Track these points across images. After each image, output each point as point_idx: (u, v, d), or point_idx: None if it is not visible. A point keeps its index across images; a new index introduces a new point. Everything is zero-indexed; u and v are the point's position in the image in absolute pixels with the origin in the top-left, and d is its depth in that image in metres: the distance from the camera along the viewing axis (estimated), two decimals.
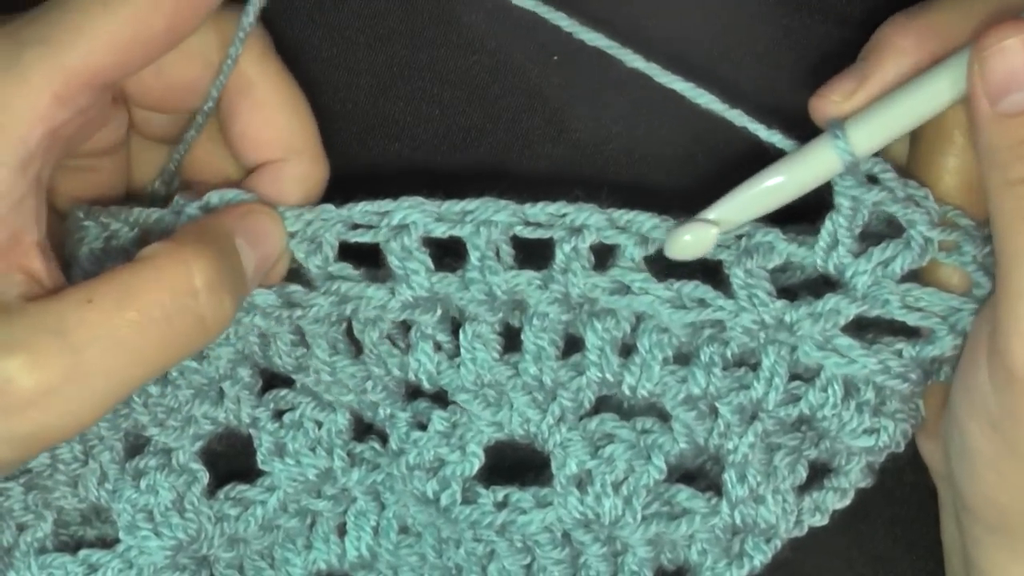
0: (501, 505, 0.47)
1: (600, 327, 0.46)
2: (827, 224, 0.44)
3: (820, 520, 0.47)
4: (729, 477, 0.46)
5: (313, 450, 0.47)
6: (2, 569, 0.46)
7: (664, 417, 0.47)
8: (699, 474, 0.48)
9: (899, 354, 0.45)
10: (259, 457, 0.48)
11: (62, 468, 0.46)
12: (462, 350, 0.46)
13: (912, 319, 0.44)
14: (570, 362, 0.46)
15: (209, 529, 0.47)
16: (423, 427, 0.47)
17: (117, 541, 0.47)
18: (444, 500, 0.47)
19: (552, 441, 0.47)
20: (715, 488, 0.47)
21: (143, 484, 0.47)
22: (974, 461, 0.43)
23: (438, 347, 0.46)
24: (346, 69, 0.48)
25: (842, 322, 0.44)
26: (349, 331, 0.47)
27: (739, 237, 0.45)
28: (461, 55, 0.49)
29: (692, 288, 0.45)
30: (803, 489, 0.47)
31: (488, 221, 0.45)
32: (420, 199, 0.45)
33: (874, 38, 0.44)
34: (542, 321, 0.46)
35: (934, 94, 0.42)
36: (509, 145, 0.50)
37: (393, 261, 0.45)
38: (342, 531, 0.49)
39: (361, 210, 0.45)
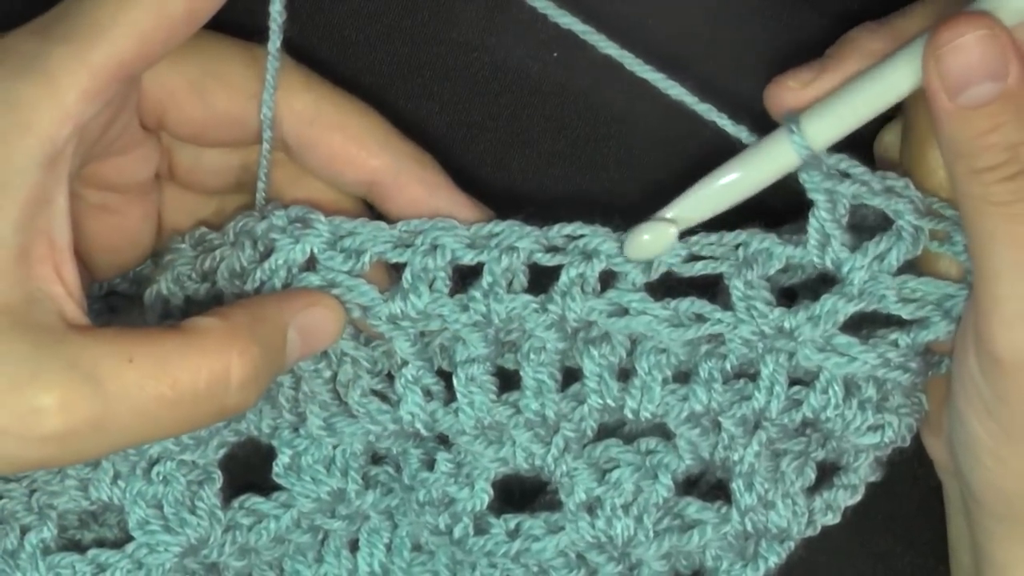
0: (514, 533, 0.47)
1: (597, 353, 0.46)
2: (812, 221, 0.44)
3: (833, 518, 0.47)
4: (737, 487, 0.46)
5: (327, 468, 0.47)
6: (8, 572, 0.46)
7: (667, 435, 0.47)
8: (705, 472, 0.48)
9: (895, 344, 0.45)
10: (275, 469, 0.47)
11: (72, 473, 0.46)
12: (458, 395, 0.46)
13: (907, 312, 0.44)
14: (570, 393, 0.46)
15: (219, 534, 0.47)
16: (432, 465, 0.47)
17: (117, 544, 0.47)
18: (457, 533, 0.47)
19: (559, 472, 0.47)
20: (723, 485, 0.47)
21: (155, 475, 0.46)
22: (975, 449, 0.43)
23: (428, 394, 0.46)
24: (346, 67, 0.48)
25: (841, 320, 0.44)
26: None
27: (737, 246, 0.45)
28: (461, 52, 0.49)
29: (689, 304, 0.45)
30: (813, 489, 0.47)
31: (511, 248, 0.45)
32: (454, 222, 0.45)
33: (841, 39, 0.44)
34: (539, 355, 0.46)
35: (890, 85, 0.42)
36: (509, 142, 0.50)
37: (407, 277, 0.45)
38: (354, 546, 0.49)
39: (401, 229, 0.45)
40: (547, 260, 0.45)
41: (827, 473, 0.47)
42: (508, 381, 0.47)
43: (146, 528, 0.46)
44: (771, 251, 0.44)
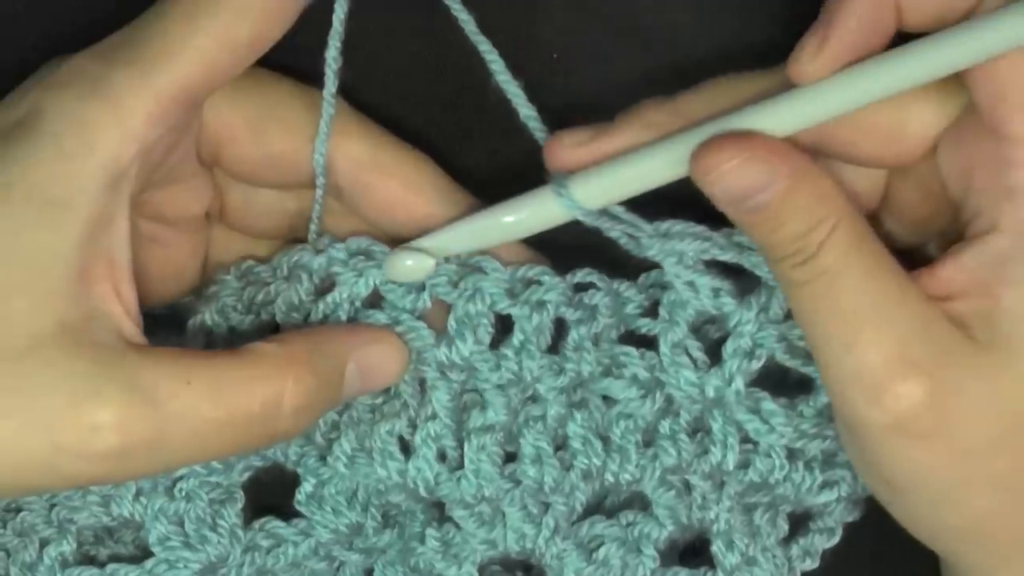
0: None
1: (580, 417, 0.46)
2: (669, 273, 0.45)
3: (812, 564, 0.48)
4: (719, 548, 0.47)
5: (348, 502, 0.47)
6: None
7: (645, 506, 0.48)
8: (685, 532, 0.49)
9: (802, 415, 0.45)
10: (297, 497, 0.48)
11: (94, 489, 0.47)
12: (467, 461, 0.46)
13: (796, 364, 0.45)
14: (556, 458, 0.47)
15: (238, 554, 0.47)
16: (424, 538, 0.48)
17: (132, 561, 0.47)
18: None
19: (549, 555, 0.47)
20: (703, 542, 0.48)
21: (178, 491, 0.47)
22: (886, 505, 0.44)
23: (442, 457, 0.47)
24: (345, 68, 0.47)
25: (751, 377, 0.45)
26: None
27: (658, 302, 0.46)
28: (460, 52, 0.49)
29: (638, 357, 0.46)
30: (789, 536, 0.48)
31: (540, 303, 0.45)
32: (497, 264, 0.45)
33: (630, 109, 0.44)
34: (536, 423, 0.46)
35: (656, 169, 0.42)
36: (508, 142, 0.49)
37: (451, 323, 0.45)
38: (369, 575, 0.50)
39: (450, 268, 0.46)
40: (570, 315, 0.46)
41: (801, 520, 0.48)
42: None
43: (166, 544, 0.47)
44: (682, 301, 0.45)
